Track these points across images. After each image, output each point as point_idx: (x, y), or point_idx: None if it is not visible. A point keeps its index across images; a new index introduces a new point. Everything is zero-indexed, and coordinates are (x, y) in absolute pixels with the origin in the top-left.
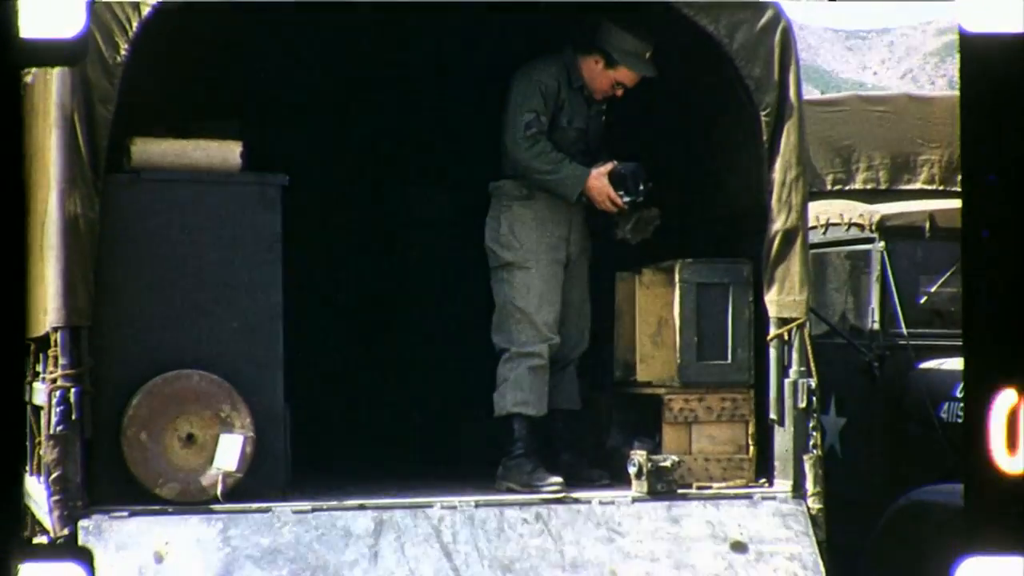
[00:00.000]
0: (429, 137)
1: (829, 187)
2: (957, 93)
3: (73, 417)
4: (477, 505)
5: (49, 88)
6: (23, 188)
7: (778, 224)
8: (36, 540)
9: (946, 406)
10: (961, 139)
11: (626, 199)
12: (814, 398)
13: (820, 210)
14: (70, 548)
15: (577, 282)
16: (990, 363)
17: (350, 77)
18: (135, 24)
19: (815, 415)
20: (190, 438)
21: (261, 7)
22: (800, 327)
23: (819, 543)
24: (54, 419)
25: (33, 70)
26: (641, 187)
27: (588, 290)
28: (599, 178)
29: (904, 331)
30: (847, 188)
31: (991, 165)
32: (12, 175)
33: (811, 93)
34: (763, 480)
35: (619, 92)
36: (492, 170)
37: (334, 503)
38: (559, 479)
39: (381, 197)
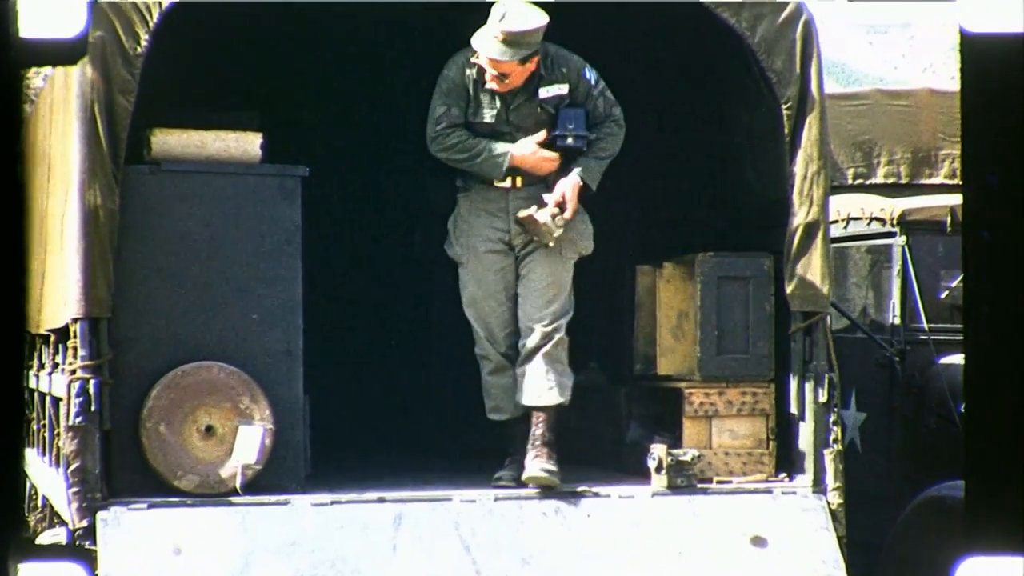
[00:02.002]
0: None
1: (850, 181)
2: None
3: (92, 408)
4: (496, 499)
5: (69, 79)
6: (23, 187)
7: (799, 218)
8: (53, 531)
9: None
10: (962, 139)
11: (566, 141)
12: (834, 392)
13: (841, 204)
14: (70, 548)
15: (537, 268)
16: (991, 363)
17: (368, 68)
18: (155, 15)
19: (835, 410)
20: (209, 430)
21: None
22: (821, 321)
23: (839, 538)
24: (73, 410)
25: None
26: (583, 132)
27: (563, 276)
28: (526, 146)
29: (925, 326)
30: (868, 182)
31: (991, 165)
32: (12, 175)
33: (831, 87)
34: (783, 475)
35: (496, 80)
36: None
37: (353, 496)
38: (506, 474)
39: (399, 188)
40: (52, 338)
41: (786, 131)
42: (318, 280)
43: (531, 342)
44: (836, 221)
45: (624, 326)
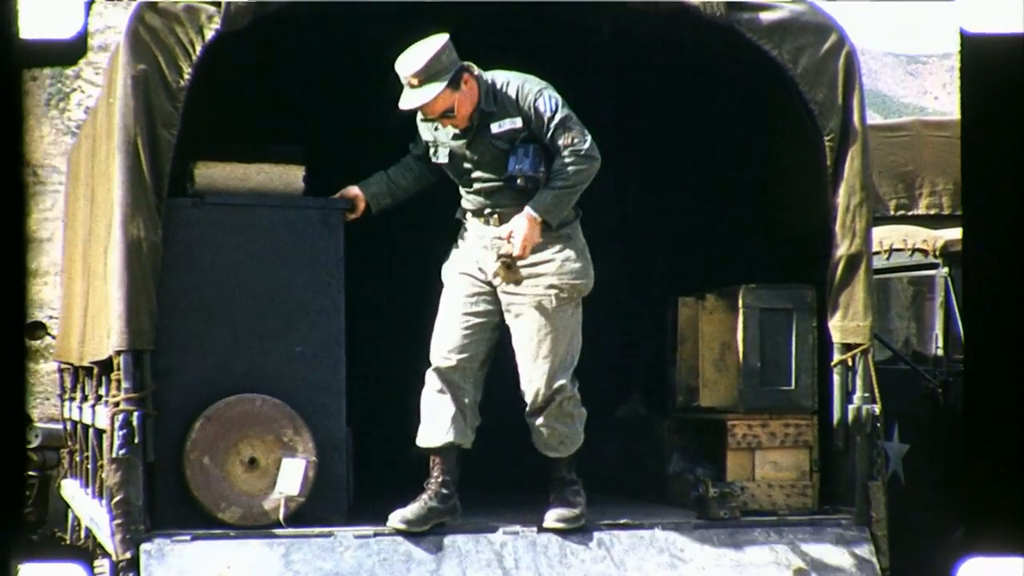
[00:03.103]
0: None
1: (892, 212)
2: None
3: (135, 441)
4: (539, 530)
5: (112, 112)
6: (23, 188)
7: (842, 249)
8: (96, 563)
9: None
10: (962, 139)
11: (515, 183)
12: (878, 424)
13: (883, 235)
14: (70, 548)
15: (524, 317)
16: (990, 363)
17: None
18: (198, 48)
19: (878, 441)
20: (252, 462)
21: (324, 31)
22: (864, 353)
23: (882, 570)
24: (116, 442)
25: (95, 93)
26: (530, 173)
27: (557, 323)
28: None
29: None
30: (910, 213)
31: (992, 165)
32: (13, 175)
33: (872, 118)
34: (826, 507)
35: (444, 122)
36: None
37: (397, 527)
38: (400, 515)
39: (444, 219)
40: (95, 370)
41: (828, 163)
42: (361, 312)
43: (532, 402)
44: (879, 252)
45: (666, 358)
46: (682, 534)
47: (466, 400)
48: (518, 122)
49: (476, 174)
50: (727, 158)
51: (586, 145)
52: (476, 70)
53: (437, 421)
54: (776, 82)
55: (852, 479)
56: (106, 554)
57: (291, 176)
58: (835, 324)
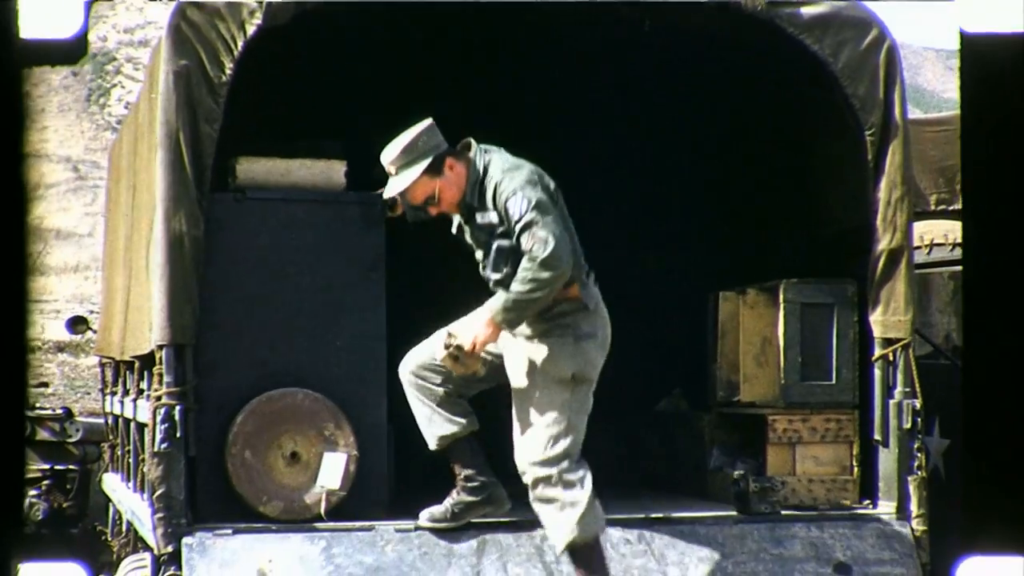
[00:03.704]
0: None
1: (933, 207)
2: None
3: (177, 435)
4: None
5: (154, 107)
6: (24, 188)
7: (883, 244)
8: (137, 556)
9: None
10: (962, 139)
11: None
12: (918, 419)
13: (924, 230)
14: (71, 548)
15: (514, 393)
16: (990, 362)
17: (450, 94)
18: (240, 44)
19: (919, 436)
20: (294, 456)
21: (364, 27)
22: (905, 347)
23: (923, 565)
24: (158, 436)
25: (136, 88)
26: (492, 275)
27: (542, 405)
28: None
29: None
30: (951, 208)
31: (992, 164)
32: (14, 176)
33: (912, 113)
34: (867, 501)
35: (431, 210)
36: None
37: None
38: (428, 512)
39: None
40: (137, 365)
41: (869, 157)
42: (402, 306)
43: (523, 478)
44: (919, 247)
45: (707, 352)
46: (722, 528)
47: (439, 392)
48: (494, 216)
49: (476, 254)
50: (768, 153)
51: (543, 253)
52: (473, 151)
53: (423, 427)
54: (817, 77)
55: (892, 474)
56: (147, 548)
57: (332, 171)
58: (876, 319)
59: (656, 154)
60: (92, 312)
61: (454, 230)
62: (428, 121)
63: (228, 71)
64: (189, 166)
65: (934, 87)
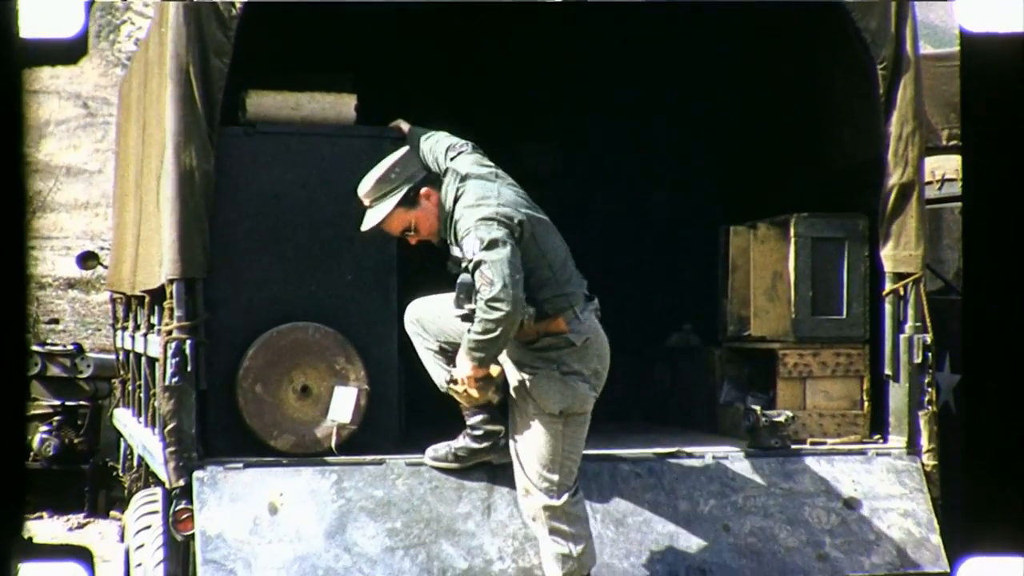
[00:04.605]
0: (540, 94)
1: (944, 143)
2: None
3: (188, 369)
4: (590, 459)
5: (164, 41)
6: (24, 188)
7: (894, 178)
8: (148, 491)
9: None
10: (962, 139)
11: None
12: (929, 354)
13: (935, 166)
14: (70, 548)
15: (510, 423)
16: (989, 360)
17: (462, 28)
18: None
19: (930, 371)
20: (305, 390)
21: None
22: (915, 282)
23: (933, 500)
24: (169, 371)
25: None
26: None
27: (533, 436)
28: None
29: None
30: None
31: (992, 164)
32: (15, 175)
33: (923, 48)
34: (877, 436)
35: (410, 239)
36: (598, 127)
37: None
38: (432, 450)
39: (494, 153)
40: (148, 299)
41: (881, 92)
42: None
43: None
44: (930, 182)
45: (717, 287)
46: (733, 463)
47: (435, 346)
48: (459, 252)
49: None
50: (779, 87)
51: (488, 294)
52: (446, 180)
53: (430, 371)
54: (828, 11)
55: (903, 409)
56: (159, 482)
57: (343, 105)
58: (887, 253)
59: (668, 91)
60: (102, 248)
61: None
62: (403, 150)
63: (238, 4)
64: (199, 100)
65: (946, 23)
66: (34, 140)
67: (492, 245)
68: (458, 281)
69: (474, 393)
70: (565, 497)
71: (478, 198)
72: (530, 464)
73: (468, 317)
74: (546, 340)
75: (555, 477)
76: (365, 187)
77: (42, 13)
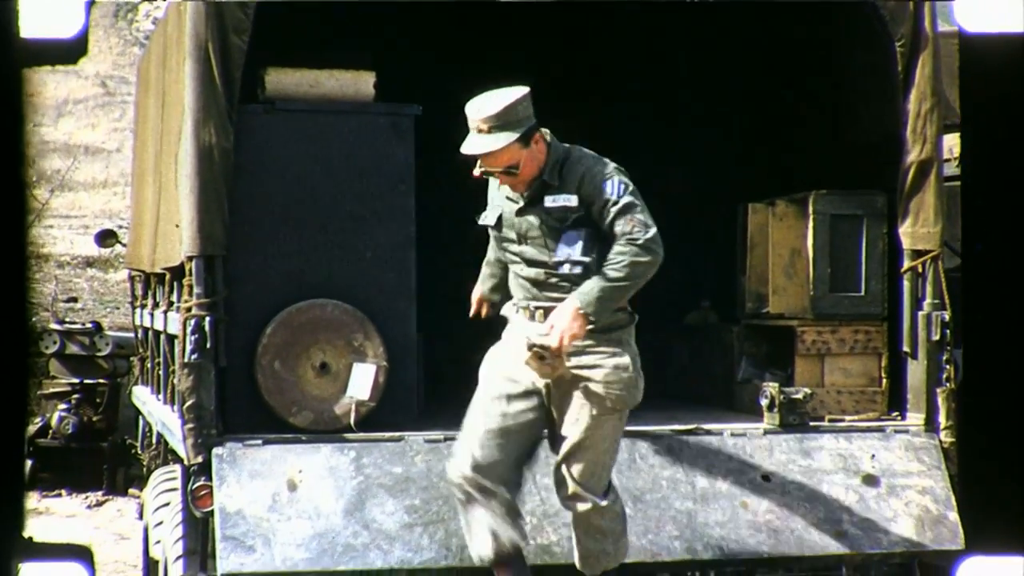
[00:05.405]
0: (560, 68)
1: (959, 80)
2: None
3: (207, 346)
4: None
5: (183, 19)
6: (24, 188)
7: (912, 155)
8: (167, 468)
9: None
10: (961, 138)
11: (562, 268)
12: (947, 331)
13: (954, 143)
14: (71, 548)
15: (564, 411)
16: (990, 361)
17: (480, 5)
18: None
19: (948, 348)
20: (323, 367)
21: None
22: (934, 259)
23: (951, 477)
24: (188, 348)
25: (163, 3)
26: (579, 258)
27: (594, 429)
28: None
29: None
30: None
31: (992, 163)
32: (15, 175)
33: (941, 26)
34: (895, 413)
35: (503, 179)
36: (611, 106)
37: None
38: None
39: None
40: (167, 277)
41: (899, 69)
42: (431, 218)
43: (562, 493)
44: (949, 160)
45: (735, 264)
46: (751, 440)
47: (505, 499)
48: (573, 200)
49: (518, 248)
50: (797, 65)
51: (646, 236)
52: (549, 136)
53: (478, 536)
54: None
55: (921, 386)
56: (177, 460)
57: (361, 82)
58: (905, 230)
59: (687, 66)
60: (121, 227)
61: (486, 220)
62: (527, 89)
63: None
64: (218, 78)
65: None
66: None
67: (636, 193)
68: (584, 230)
69: (561, 362)
70: (611, 496)
71: (597, 155)
72: (585, 466)
73: (588, 268)
74: (616, 315)
75: (607, 477)
76: (488, 110)
77: (42, 13)
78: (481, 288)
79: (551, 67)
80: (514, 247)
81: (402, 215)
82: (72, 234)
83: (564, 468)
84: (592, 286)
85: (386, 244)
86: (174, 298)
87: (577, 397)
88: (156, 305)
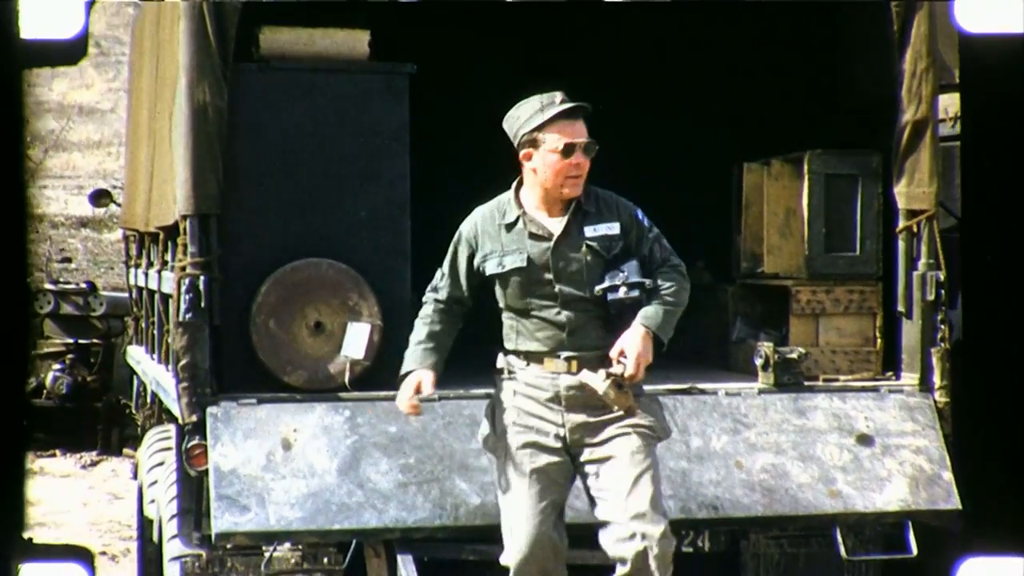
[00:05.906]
0: (556, 31)
1: (958, 80)
2: None
3: (202, 305)
4: None
5: None
6: (24, 187)
7: (908, 115)
8: (162, 428)
9: None
10: (961, 138)
11: (617, 294)
12: (942, 291)
13: (949, 103)
14: (70, 548)
15: (613, 453)
16: (989, 360)
17: None
18: None
19: (943, 308)
20: (318, 326)
21: None
22: (929, 219)
23: (945, 436)
24: (183, 307)
25: None
26: (637, 279)
27: (647, 462)
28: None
29: None
30: None
31: (992, 162)
32: (15, 175)
33: None
34: (890, 373)
35: (577, 162)
36: (605, 63)
37: (461, 392)
38: None
39: (512, 83)
40: (161, 236)
41: (895, 28)
42: (426, 178)
43: (618, 533)
44: (944, 120)
45: (730, 224)
46: (745, 399)
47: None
48: (616, 227)
49: (555, 289)
50: (793, 23)
51: (682, 264)
52: None
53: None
54: None
55: (916, 346)
56: (172, 419)
57: (356, 41)
58: (900, 190)
59: (682, 26)
60: (115, 187)
61: (517, 264)
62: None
63: None
64: (212, 36)
65: None
66: (47, 80)
67: None
68: (633, 260)
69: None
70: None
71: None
72: (653, 493)
73: (645, 292)
74: None
75: (665, 524)
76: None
77: (42, 13)
78: (419, 370)
79: (547, 28)
80: (549, 289)
81: (397, 174)
82: (66, 194)
83: (628, 501)
84: (656, 311)
85: (381, 203)
86: (168, 257)
87: (621, 431)
88: (150, 264)
